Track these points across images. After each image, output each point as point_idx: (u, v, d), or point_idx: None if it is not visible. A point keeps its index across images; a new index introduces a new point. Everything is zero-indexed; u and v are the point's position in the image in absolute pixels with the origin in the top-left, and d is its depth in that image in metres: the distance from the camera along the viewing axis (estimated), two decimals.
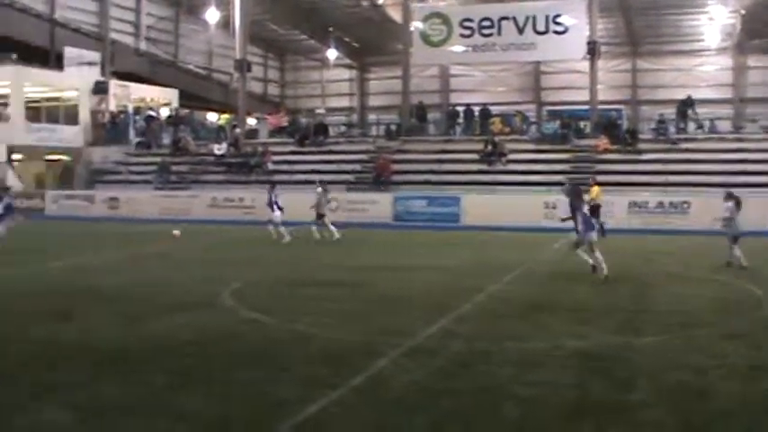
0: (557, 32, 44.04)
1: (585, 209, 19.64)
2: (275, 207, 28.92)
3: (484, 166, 39.79)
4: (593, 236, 18.96)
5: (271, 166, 42.01)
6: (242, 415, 8.57)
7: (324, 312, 14.21)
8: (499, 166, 39.69)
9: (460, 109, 48.35)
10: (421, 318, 13.58)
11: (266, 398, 9.09)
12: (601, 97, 47.54)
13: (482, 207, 34.98)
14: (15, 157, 48.66)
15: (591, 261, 18.71)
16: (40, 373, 10.14)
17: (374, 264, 21.74)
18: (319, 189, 29.80)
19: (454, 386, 9.51)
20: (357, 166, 40.99)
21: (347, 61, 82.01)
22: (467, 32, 45.35)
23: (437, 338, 12.03)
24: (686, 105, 43.06)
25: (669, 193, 35.17)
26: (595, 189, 30.97)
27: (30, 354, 11.22)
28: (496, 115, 46.80)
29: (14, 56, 51.47)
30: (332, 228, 28.75)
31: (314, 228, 28.99)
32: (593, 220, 21.67)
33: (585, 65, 46.72)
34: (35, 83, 51.08)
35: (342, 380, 9.60)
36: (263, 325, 13.12)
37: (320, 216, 29.11)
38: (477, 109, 47.16)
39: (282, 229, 28.25)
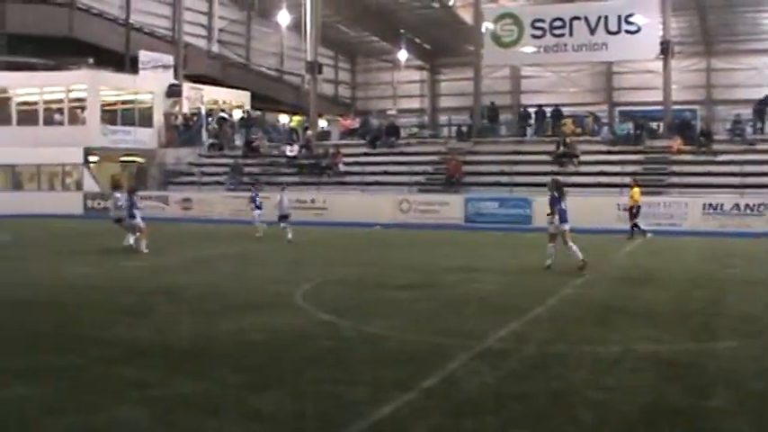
0: (629, 32, 43.50)
1: (564, 204, 20.78)
2: (255, 206, 31.74)
3: (555, 168, 39.49)
4: (567, 227, 20.40)
5: (342, 168, 42.15)
6: (315, 415, 8.61)
7: (396, 314, 14.25)
8: (571, 168, 39.38)
9: (532, 110, 48.06)
10: (492, 320, 13.52)
11: (338, 399, 9.13)
12: (674, 97, 46.89)
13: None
14: (91, 159, 49.39)
15: (550, 260, 20.58)
16: (116, 371, 10.32)
17: (446, 265, 21.69)
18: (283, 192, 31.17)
19: (526, 389, 9.45)
20: (428, 168, 40.96)
21: (418, 63, 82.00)
22: (538, 33, 45.04)
23: (509, 341, 11.97)
24: (763, 105, 42.27)
25: (745, 195, 34.62)
26: (636, 190, 31.23)
27: (107, 351, 11.40)
28: (568, 116, 46.44)
29: (91, 60, 52.34)
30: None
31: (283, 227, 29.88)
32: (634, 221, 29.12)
33: (659, 64, 46.15)
34: (111, 86, 51.86)
35: (413, 382, 9.59)
36: (336, 326, 13.17)
37: (284, 217, 30.22)
38: (548, 110, 46.82)
39: (259, 225, 30.24)
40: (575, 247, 20.03)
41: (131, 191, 27.16)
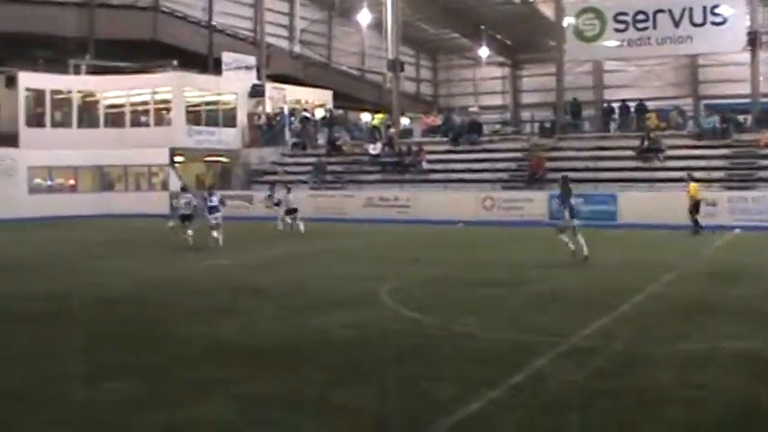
0: (714, 24, 42.69)
1: (572, 200, 22.29)
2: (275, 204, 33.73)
3: (640, 163, 39.02)
4: (576, 222, 21.80)
5: (425, 165, 42.15)
6: (401, 412, 8.65)
7: (481, 311, 14.23)
8: (656, 163, 38.86)
9: (615, 105, 47.52)
10: (578, 317, 13.43)
11: (424, 396, 9.16)
12: (763, 89, 45.92)
13: (639, 204, 34.29)
14: (177, 159, 50.09)
15: (572, 246, 21.44)
16: (202, 368, 10.51)
17: (530, 262, 21.57)
18: (285, 190, 35.02)
19: (614, 387, 9.38)
20: (511, 165, 40.72)
21: (499, 59, 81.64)
22: (621, 27, 44.47)
23: (595, 338, 11.87)
24: None
25: None
26: (693, 186, 30.75)
27: (193, 349, 11.61)
28: (652, 111, 45.75)
29: (175, 62, 53.04)
30: (281, 224, 33.65)
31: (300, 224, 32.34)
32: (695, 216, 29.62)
33: (746, 56, 45.22)
34: (195, 88, 52.49)
35: (500, 379, 9.58)
36: (421, 323, 13.19)
37: (292, 211, 33.35)
38: (632, 104, 46.24)
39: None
40: (582, 241, 21.38)
41: (209, 189, 29.41)
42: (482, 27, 73.46)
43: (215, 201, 28.04)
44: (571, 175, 38.04)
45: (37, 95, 49.48)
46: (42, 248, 28.46)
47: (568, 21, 46.20)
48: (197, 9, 64.85)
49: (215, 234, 27.08)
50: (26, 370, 10.62)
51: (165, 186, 48.79)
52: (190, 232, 27.41)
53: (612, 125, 46.42)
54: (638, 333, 12.38)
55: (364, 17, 66.10)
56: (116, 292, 17.34)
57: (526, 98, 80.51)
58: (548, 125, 46.46)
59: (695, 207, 30.56)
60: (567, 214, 22.08)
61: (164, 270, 21.45)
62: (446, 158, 43.03)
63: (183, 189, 31.90)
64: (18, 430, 8.50)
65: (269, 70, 57.22)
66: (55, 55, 55.51)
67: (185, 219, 28.09)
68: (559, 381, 9.66)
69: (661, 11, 43.44)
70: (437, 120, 50.44)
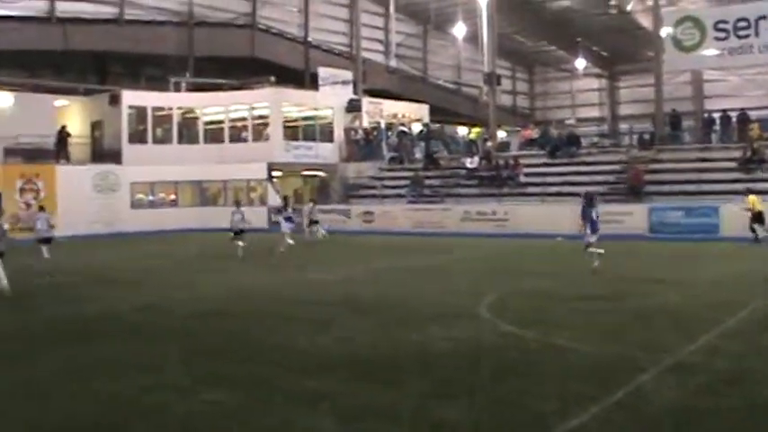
0: None
1: (594, 214, 23.16)
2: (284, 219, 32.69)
3: (743, 175, 38.18)
4: (593, 238, 22.84)
5: (522, 179, 41.88)
6: (501, 427, 8.63)
7: (582, 326, 14.07)
8: (759, 174, 38.01)
9: (716, 115, 46.58)
10: (682, 332, 13.20)
11: (525, 411, 9.11)
12: None
13: (742, 217, 33.55)
14: (275, 174, 50.60)
15: (596, 263, 22.10)
16: (303, 380, 10.61)
17: (631, 276, 21.29)
18: (310, 204, 37.92)
19: (720, 405, 9.21)
20: (610, 177, 40.17)
21: (596, 70, 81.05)
22: (721, 35, 43.60)
23: (701, 354, 11.65)
24: None
25: None
26: (751, 198, 30.78)
27: (294, 361, 11.73)
28: (755, 120, 44.72)
29: (273, 78, 53.68)
30: (309, 233, 35.78)
31: (321, 230, 35.63)
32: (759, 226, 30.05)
33: None
34: (292, 103, 52.99)
35: (602, 395, 9.49)
36: (521, 338, 13.11)
37: (314, 222, 36.22)
38: (733, 115, 45.30)
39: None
40: (595, 263, 22.13)
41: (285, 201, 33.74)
42: (578, 39, 73.02)
43: (290, 212, 32.18)
44: (671, 188, 37.83)
45: (139, 113, 50.47)
46: (144, 262, 29.05)
47: (666, 30, 45.48)
48: (293, 26, 65.71)
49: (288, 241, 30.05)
50: (130, 379, 10.88)
51: (263, 201, 49.33)
52: (241, 243, 29.30)
53: (713, 136, 45.50)
54: (744, 349, 12.11)
55: (460, 30, 66.19)
56: (216, 305, 17.62)
57: (624, 110, 79.77)
58: (647, 137, 45.68)
59: (757, 218, 30.52)
60: (588, 229, 23.04)
61: (261, 283, 21.68)
62: (544, 171, 42.63)
63: (237, 204, 33.06)
64: None
65: (365, 85, 57.52)
66: (157, 73, 56.81)
67: (238, 233, 29.99)
68: (663, 398, 9.51)
69: (763, 17, 42.43)
70: (534, 132, 50.03)
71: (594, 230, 22.94)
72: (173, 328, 14.97)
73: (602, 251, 22.46)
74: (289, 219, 31.86)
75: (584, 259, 22.68)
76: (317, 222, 36.51)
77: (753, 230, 30.59)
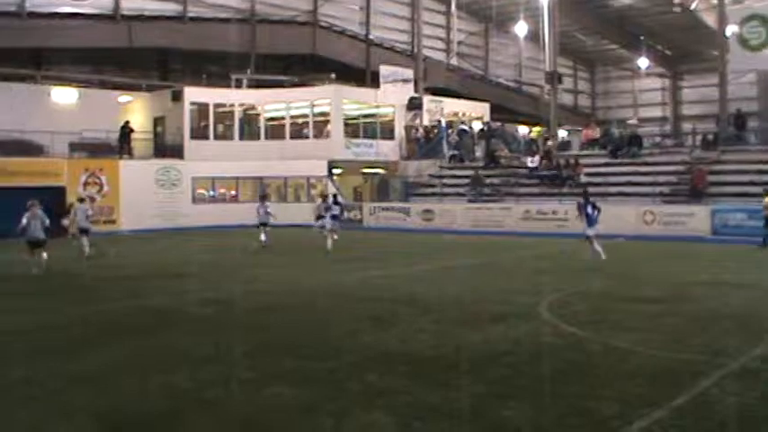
0: None
1: (589, 209, 24.53)
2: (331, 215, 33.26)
3: None
4: (591, 231, 24.41)
5: (583, 179, 41.56)
6: (561, 429, 8.59)
7: (643, 328, 13.92)
8: None
9: None
10: (745, 337, 13.02)
11: (584, 413, 9.06)
12: None
13: None
14: (335, 171, 50.78)
15: (601, 252, 24.05)
16: (364, 377, 10.66)
17: (693, 279, 21.01)
18: (319, 201, 36.09)
19: None
20: (672, 178, 39.73)
21: (659, 70, 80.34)
22: None
23: (765, 360, 11.51)
24: None
25: None
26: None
27: (355, 357, 11.81)
28: None
29: (333, 76, 53.87)
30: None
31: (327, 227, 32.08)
32: None
33: None
34: (353, 101, 53.13)
35: (663, 399, 9.40)
36: (581, 339, 13.02)
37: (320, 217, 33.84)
38: None
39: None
40: (598, 248, 24.12)
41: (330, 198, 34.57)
42: (641, 37, 72.43)
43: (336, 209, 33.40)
44: (734, 189, 37.32)
45: (201, 109, 50.97)
46: (206, 256, 29.30)
47: (732, 29, 44.87)
48: (354, 23, 65.87)
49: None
50: (192, 371, 11.02)
51: (323, 198, 49.52)
52: (263, 237, 32.20)
53: None
54: None
55: (521, 29, 65.97)
56: (277, 300, 17.77)
57: (687, 110, 79.01)
58: (710, 137, 45.12)
59: None
60: (585, 223, 24.69)
61: (321, 279, 21.81)
62: (605, 172, 42.28)
63: (263, 198, 35.93)
64: (190, 426, 8.92)
65: (426, 83, 57.55)
66: (218, 70, 57.29)
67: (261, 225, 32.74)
68: (727, 404, 9.38)
69: None
70: (596, 132, 49.63)
71: (591, 224, 24.53)
72: (235, 322, 15.12)
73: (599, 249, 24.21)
74: (334, 216, 32.79)
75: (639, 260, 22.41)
76: (322, 218, 33.88)
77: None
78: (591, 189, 38.95)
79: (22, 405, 9.69)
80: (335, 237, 31.17)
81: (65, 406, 9.61)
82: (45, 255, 23.93)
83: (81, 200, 31.01)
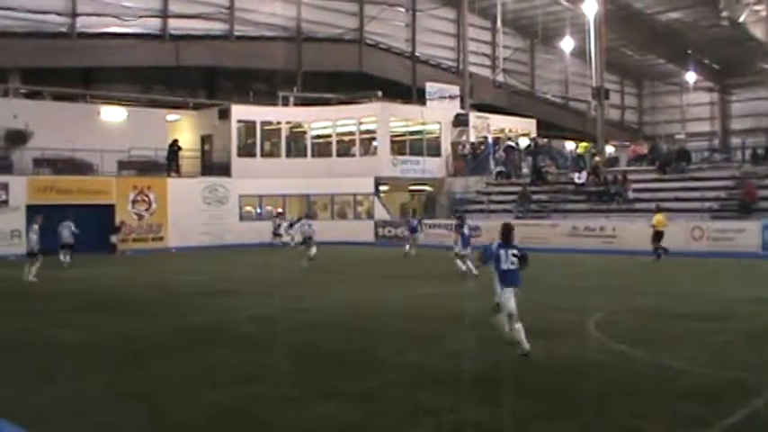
0: None
1: (465, 230, 26.72)
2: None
3: None
4: (465, 251, 26.08)
5: (631, 195, 41.27)
6: None
7: (691, 346, 13.78)
8: None
9: None
10: None
11: None
12: None
13: None
14: (382, 188, 50.85)
15: (464, 268, 25.70)
16: (411, 395, 10.61)
17: (743, 296, 20.70)
18: (304, 220, 37.10)
19: None
20: (721, 194, 39.33)
21: (707, 84, 79.70)
22: None
23: None
24: None
25: None
26: (657, 216, 33.20)
27: (402, 375, 11.78)
28: None
29: (380, 93, 53.97)
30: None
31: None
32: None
33: None
34: (399, 118, 53.15)
35: (714, 419, 9.28)
36: (630, 357, 12.90)
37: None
38: None
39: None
40: (471, 266, 25.28)
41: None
42: (689, 51, 71.87)
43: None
44: None
45: (248, 127, 51.28)
46: (253, 274, 29.43)
47: None
48: (400, 41, 66.13)
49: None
50: (240, 388, 11.05)
51: (370, 215, 49.64)
52: (312, 252, 32.64)
53: None
54: None
55: (567, 44, 65.80)
56: (325, 318, 17.79)
57: (736, 124, 78.34)
58: (760, 152, 44.60)
59: (656, 236, 32.68)
60: (460, 243, 26.64)
61: (367, 296, 21.84)
62: (653, 188, 41.91)
63: (309, 216, 38.61)
64: None
65: (472, 99, 57.53)
66: (265, 88, 57.71)
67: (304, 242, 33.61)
68: None
69: None
70: (643, 148, 49.24)
71: (465, 245, 26.44)
72: (284, 339, 15.13)
73: (467, 267, 25.66)
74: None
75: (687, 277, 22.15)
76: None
77: (657, 248, 32.41)
78: (639, 205, 38.87)
79: (74, 419, 9.78)
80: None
81: (115, 422, 9.68)
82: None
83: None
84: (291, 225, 39.85)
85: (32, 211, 36.49)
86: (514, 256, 13.99)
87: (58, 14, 50.47)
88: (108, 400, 10.58)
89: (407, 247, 37.36)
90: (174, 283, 26.52)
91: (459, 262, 26.40)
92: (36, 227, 28.11)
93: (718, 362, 12.52)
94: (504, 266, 13.87)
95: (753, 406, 9.82)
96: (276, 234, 45.46)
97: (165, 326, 17.01)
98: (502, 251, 13.98)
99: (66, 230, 30.11)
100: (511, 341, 13.21)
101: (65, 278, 26.14)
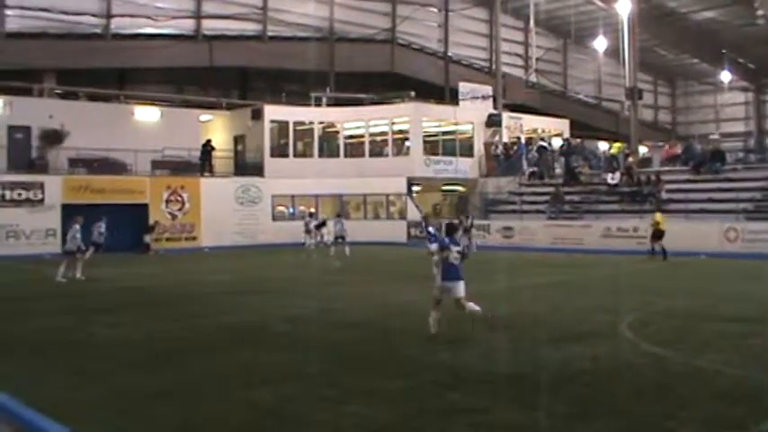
0: None
1: (431, 229, 24.61)
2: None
3: None
4: (433, 247, 21.49)
5: (664, 195, 41.05)
6: None
7: (726, 348, 13.66)
8: None
9: None
10: None
11: None
12: None
13: None
14: (414, 188, 50.86)
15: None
16: (444, 396, 10.60)
17: None
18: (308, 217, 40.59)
19: None
20: (756, 195, 39.04)
21: (742, 84, 79.13)
22: None
23: None
24: None
25: None
26: (656, 216, 34.39)
27: (435, 376, 11.75)
28: None
29: (412, 93, 53.96)
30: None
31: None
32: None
33: None
34: (432, 118, 53.13)
35: (750, 422, 9.22)
36: (663, 359, 12.82)
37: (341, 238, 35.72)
38: None
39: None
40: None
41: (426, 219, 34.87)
42: (723, 51, 71.38)
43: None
44: None
45: (281, 127, 51.44)
46: (287, 273, 29.53)
47: None
48: (433, 41, 66.17)
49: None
50: (274, 387, 11.11)
51: (402, 215, 49.67)
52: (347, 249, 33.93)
53: None
54: None
55: (600, 44, 65.54)
56: (359, 317, 17.82)
57: None
58: None
59: (657, 235, 33.52)
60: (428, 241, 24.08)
61: (399, 296, 21.83)
62: (686, 188, 41.67)
63: (339, 215, 39.35)
64: None
65: (505, 99, 57.45)
66: (298, 88, 57.88)
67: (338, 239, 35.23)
68: None
69: None
70: (677, 148, 48.95)
71: (432, 241, 24.48)
72: (317, 338, 15.18)
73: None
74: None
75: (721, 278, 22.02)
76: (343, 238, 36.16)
77: (653, 248, 33.31)
78: (672, 206, 38.66)
79: (113, 417, 9.86)
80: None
81: (149, 420, 9.75)
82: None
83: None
84: (319, 226, 40.07)
85: (68, 210, 36.98)
86: (458, 252, 15.15)
87: (93, 16, 50.92)
88: (143, 399, 10.64)
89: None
90: (207, 282, 26.67)
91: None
92: (77, 226, 28.42)
93: (754, 364, 12.44)
94: (451, 260, 15.03)
95: None
96: (308, 232, 45.67)
97: (200, 325, 17.11)
98: (450, 246, 15.14)
99: (96, 231, 30.38)
100: (435, 329, 14.92)
101: (101, 277, 26.34)
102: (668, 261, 32.02)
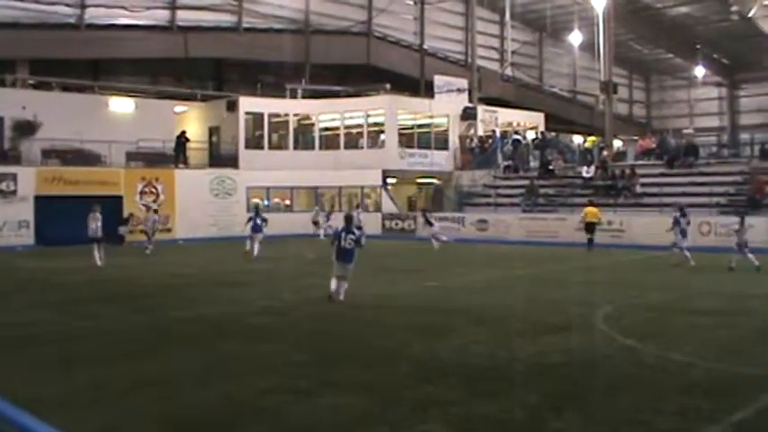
0: None
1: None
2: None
3: None
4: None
5: (639, 189, 41.23)
6: None
7: (700, 341, 13.77)
8: None
9: None
10: None
11: (641, 426, 8.96)
12: None
13: None
14: (389, 181, 50.85)
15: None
16: (419, 388, 10.62)
17: (752, 291, 20.69)
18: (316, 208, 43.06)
19: None
20: (730, 189, 39.27)
21: (716, 79, 79.54)
22: None
23: None
24: None
25: None
26: (588, 209, 36.60)
27: (410, 368, 11.77)
28: None
29: (388, 86, 53.92)
30: None
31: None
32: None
33: None
34: (407, 111, 53.08)
35: (722, 414, 9.29)
36: (638, 351, 12.89)
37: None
38: None
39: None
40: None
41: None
42: (698, 46, 71.75)
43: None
44: None
45: (255, 119, 51.30)
46: (261, 266, 29.40)
47: None
48: (409, 33, 66.10)
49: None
50: (248, 380, 11.08)
51: (377, 207, 49.66)
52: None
53: None
54: None
55: (576, 38, 65.74)
56: (334, 310, 17.79)
57: (745, 119, 78.18)
58: None
59: (588, 227, 35.85)
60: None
61: (375, 289, 21.78)
62: (660, 182, 41.81)
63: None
64: None
65: (480, 93, 57.52)
66: (273, 80, 57.73)
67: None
68: None
69: None
70: (651, 142, 49.13)
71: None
72: (291, 331, 15.19)
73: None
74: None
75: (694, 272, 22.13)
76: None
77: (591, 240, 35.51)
78: (647, 200, 38.84)
79: (88, 408, 9.84)
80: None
81: (126, 412, 9.70)
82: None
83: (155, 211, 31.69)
84: (328, 217, 40.35)
85: (41, 201, 36.75)
86: (352, 239, 18.83)
87: (67, 5, 50.61)
88: (121, 391, 10.60)
89: (434, 242, 36.58)
90: (183, 274, 26.58)
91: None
92: (97, 214, 28.93)
93: (727, 357, 12.54)
94: (343, 244, 18.81)
95: (762, 401, 9.86)
96: (315, 223, 45.67)
97: (175, 317, 17.07)
98: (343, 234, 18.94)
99: (94, 224, 29.87)
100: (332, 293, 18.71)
101: (79, 269, 26.26)
102: (591, 252, 33.35)
